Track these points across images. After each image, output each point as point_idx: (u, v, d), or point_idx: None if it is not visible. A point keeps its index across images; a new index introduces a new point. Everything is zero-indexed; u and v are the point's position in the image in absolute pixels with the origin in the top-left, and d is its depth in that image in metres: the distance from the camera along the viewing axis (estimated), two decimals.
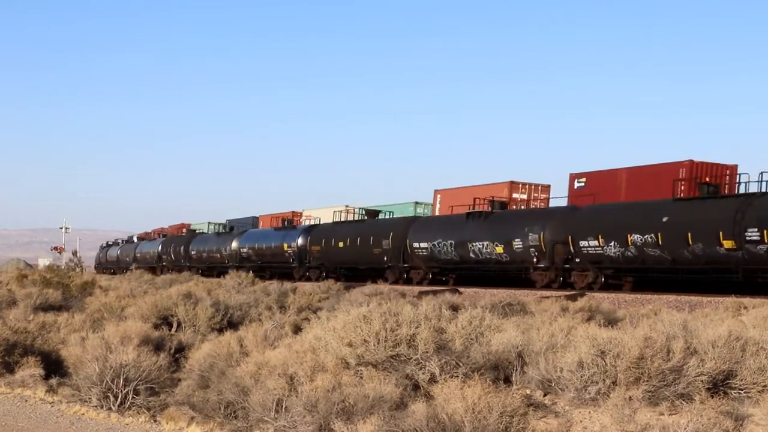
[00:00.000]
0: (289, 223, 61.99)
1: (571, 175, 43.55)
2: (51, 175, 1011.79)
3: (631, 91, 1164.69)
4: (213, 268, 66.89)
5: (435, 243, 43.96)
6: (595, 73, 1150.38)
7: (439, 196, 53.19)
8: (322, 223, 58.88)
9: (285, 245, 57.90)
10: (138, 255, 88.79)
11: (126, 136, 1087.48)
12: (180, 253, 75.76)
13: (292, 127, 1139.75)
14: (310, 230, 56.88)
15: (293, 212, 68.98)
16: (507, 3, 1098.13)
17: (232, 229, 72.62)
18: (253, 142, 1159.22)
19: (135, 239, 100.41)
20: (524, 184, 49.03)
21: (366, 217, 54.09)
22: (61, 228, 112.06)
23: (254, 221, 75.65)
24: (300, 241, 56.56)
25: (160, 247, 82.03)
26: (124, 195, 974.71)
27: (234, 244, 65.86)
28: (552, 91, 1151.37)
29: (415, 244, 45.41)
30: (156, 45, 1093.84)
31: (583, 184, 42.56)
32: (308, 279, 52.56)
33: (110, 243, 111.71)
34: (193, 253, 73.11)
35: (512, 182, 48.74)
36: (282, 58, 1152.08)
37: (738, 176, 35.33)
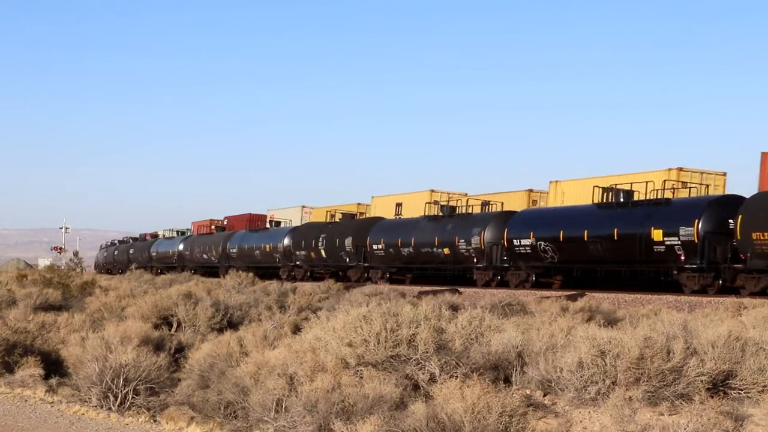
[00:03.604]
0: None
1: None
2: (51, 175, 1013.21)
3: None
4: (425, 269, 46.46)
5: None
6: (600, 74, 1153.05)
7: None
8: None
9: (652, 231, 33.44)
10: (232, 252, 65.93)
11: (126, 136, 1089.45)
12: (341, 247, 52.84)
13: (292, 127, 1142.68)
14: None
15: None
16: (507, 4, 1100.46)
17: (453, 212, 46.50)
18: (253, 141, 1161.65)
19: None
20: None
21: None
22: (61, 228, 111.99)
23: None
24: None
25: (286, 240, 59.43)
26: (124, 195, 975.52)
27: (475, 236, 41.80)
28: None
29: None
30: (157, 45, 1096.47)
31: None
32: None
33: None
34: (376, 247, 50.22)
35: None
36: (282, 57, 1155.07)
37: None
